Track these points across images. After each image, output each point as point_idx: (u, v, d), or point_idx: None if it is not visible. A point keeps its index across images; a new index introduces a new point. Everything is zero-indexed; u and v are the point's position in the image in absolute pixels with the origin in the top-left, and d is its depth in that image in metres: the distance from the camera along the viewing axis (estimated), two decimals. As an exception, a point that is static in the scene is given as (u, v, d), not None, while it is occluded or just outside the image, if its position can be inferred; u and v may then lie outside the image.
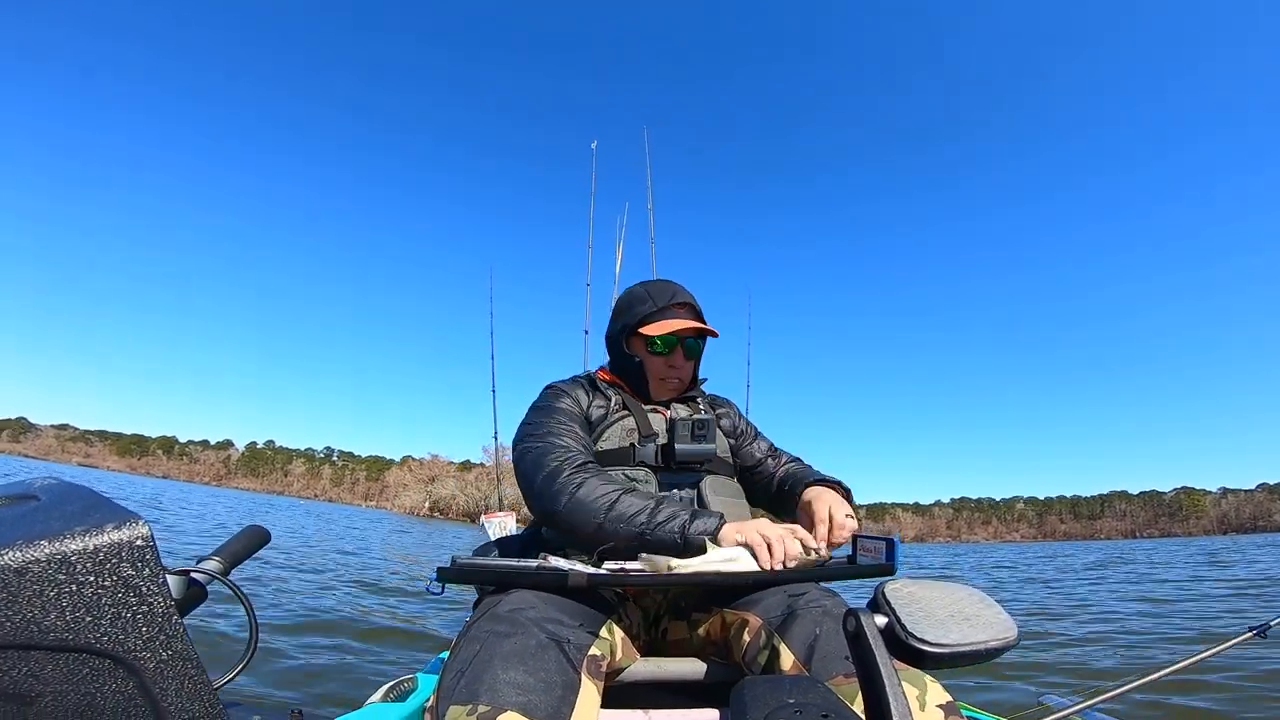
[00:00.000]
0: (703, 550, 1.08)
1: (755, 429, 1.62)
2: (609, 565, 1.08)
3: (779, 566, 1.06)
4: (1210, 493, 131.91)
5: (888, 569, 1.14)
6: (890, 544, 1.16)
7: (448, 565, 1.05)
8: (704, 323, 1.48)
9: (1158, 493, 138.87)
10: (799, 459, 1.57)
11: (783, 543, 1.08)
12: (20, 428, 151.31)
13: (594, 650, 0.89)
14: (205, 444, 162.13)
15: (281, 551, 8.64)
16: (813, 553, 1.11)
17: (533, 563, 1.05)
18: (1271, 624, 1.76)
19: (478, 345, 3.94)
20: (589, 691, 0.82)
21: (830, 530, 1.22)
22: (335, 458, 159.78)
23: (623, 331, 1.49)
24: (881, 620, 0.51)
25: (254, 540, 0.85)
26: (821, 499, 1.29)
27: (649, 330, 1.43)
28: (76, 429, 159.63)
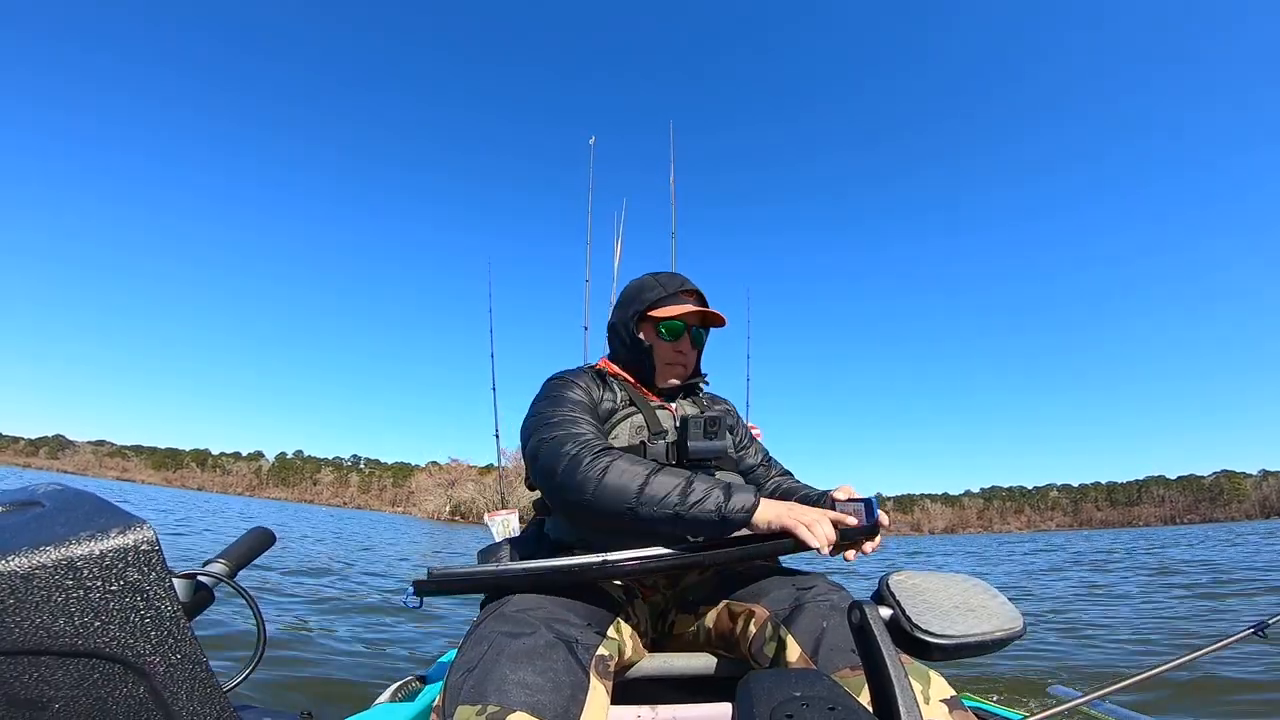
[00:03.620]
0: (742, 527, 1.06)
1: (749, 435, 1.62)
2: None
3: (826, 550, 1.04)
4: (1250, 475, 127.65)
5: (872, 529, 1.12)
6: (868, 503, 1.15)
7: (424, 578, 0.98)
8: (710, 310, 1.50)
9: (1196, 477, 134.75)
10: (790, 473, 1.57)
11: (820, 525, 1.06)
12: (58, 445, 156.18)
13: (602, 650, 0.89)
14: (237, 455, 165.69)
15: (289, 553, 8.77)
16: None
17: (518, 565, 1.00)
18: (1270, 622, 1.79)
19: (484, 345, 3.96)
20: (598, 691, 0.82)
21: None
22: (362, 465, 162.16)
23: (633, 317, 1.45)
24: (886, 612, 0.51)
25: (259, 542, 0.84)
26: (843, 490, 1.29)
27: (659, 313, 1.42)
28: (113, 444, 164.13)
